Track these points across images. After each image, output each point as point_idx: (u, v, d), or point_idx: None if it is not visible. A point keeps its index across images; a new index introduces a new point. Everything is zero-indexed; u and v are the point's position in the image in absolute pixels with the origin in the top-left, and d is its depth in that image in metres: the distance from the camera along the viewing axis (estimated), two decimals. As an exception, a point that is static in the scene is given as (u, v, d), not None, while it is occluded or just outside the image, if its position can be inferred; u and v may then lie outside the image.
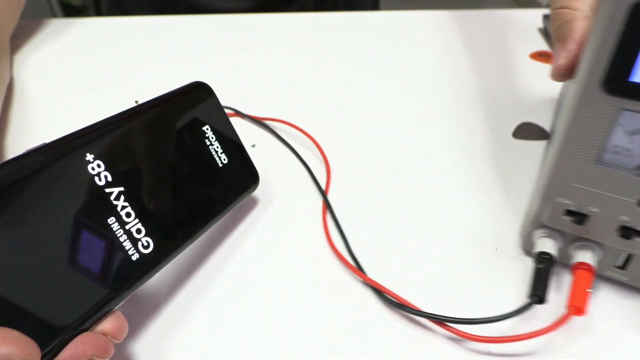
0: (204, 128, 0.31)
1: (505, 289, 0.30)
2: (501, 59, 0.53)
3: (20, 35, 0.54)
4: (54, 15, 1.43)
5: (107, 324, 0.23)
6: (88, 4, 1.61)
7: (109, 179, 0.24)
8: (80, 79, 0.48)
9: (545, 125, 0.44)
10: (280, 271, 0.32)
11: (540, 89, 0.49)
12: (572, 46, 0.26)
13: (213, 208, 0.30)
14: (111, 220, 0.24)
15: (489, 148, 0.41)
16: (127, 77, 0.49)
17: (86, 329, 0.22)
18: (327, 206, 0.36)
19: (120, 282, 0.24)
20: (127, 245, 0.24)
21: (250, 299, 0.30)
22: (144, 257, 0.25)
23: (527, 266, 0.31)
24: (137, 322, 0.29)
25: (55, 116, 0.43)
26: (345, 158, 0.40)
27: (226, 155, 0.32)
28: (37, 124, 0.42)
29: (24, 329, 0.20)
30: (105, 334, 0.23)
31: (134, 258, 0.25)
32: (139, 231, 0.25)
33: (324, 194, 0.36)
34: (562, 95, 0.43)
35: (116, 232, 0.24)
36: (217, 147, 0.31)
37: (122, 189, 0.25)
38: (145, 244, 0.25)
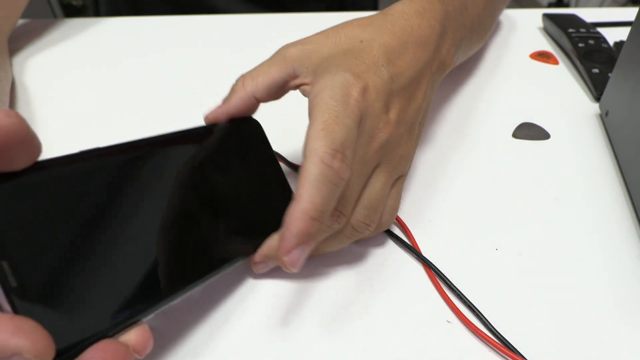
0: (248, 164, 0.30)
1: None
2: (501, 59, 0.53)
3: (20, 36, 0.54)
4: (54, 15, 1.43)
5: (131, 336, 0.22)
6: (88, 4, 1.61)
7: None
8: (81, 79, 0.48)
9: (545, 125, 0.44)
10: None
11: (540, 89, 0.49)
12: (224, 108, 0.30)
13: (253, 240, 0.29)
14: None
15: (489, 148, 0.42)
16: (127, 77, 0.49)
17: (110, 337, 0.22)
18: (433, 271, 0.31)
19: (151, 294, 0.23)
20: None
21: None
22: (177, 272, 0.25)
23: None
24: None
25: (57, 115, 0.43)
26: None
27: (268, 191, 0.31)
28: (39, 123, 0.42)
29: (48, 324, 0.19)
30: (127, 346, 0.22)
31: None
32: None
33: (421, 256, 0.32)
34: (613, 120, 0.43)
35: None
36: (259, 184, 0.30)
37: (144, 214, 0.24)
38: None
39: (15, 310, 0.19)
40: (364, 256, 0.32)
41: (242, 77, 0.31)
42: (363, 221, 0.28)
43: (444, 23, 0.35)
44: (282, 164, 0.36)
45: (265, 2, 0.68)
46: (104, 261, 0.22)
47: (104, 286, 0.22)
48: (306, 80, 0.30)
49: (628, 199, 0.37)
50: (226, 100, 0.31)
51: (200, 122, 0.43)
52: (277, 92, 0.31)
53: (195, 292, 0.27)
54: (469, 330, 0.28)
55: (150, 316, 0.23)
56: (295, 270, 0.24)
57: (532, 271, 0.32)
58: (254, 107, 0.31)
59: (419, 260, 0.32)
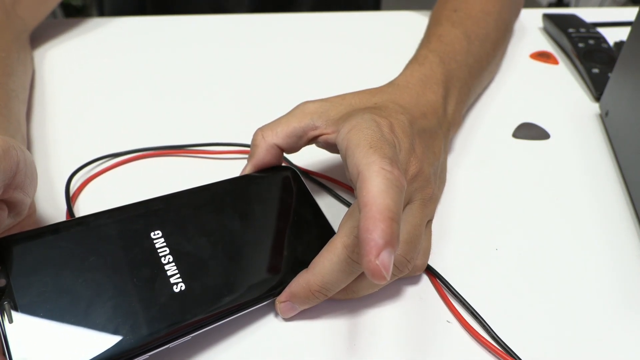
0: (282, 207, 0.31)
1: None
2: (501, 59, 0.53)
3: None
4: (54, 16, 1.43)
5: None
6: (88, 4, 1.61)
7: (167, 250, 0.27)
8: (81, 79, 0.48)
9: (545, 125, 0.44)
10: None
11: (540, 89, 0.49)
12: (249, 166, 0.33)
13: (283, 280, 0.28)
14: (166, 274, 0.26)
15: (489, 148, 0.42)
16: (128, 77, 0.49)
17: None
18: (432, 273, 0.31)
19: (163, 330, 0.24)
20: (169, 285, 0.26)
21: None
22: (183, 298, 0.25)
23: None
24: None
25: (58, 114, 0.43)
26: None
27: (304, 232, 0.30)
28: (39, 121, 0.42)
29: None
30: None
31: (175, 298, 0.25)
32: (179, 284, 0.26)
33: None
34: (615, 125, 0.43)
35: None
36: (294, 226, 0.30)
37: (171, 257, 0.26)
38: (180, 288, 0.25)
39: (6, 341, 0.22)
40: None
41: (260, 130, 0.32)
42: (404, 256, 0.27)
43: (447, 85, 0.38)
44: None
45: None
46: (105, 304, 0.24)
47: (101, 326, 0.23)
48: (327, 131, 0.31)
49: (628, 199, 0.37)
50: (250, 155, 0.33)
51: (199, 122, 0.43)
52: (296, 141, 0.32)
53: (210, 334, 0.27)
54: (468, 333, 0.28)
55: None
56: (387, 279, 0.22)
57: (532, 271, 0.32)
58: (278, 156, 0.32)
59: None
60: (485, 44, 0.44)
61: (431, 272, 0.31)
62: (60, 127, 0.42)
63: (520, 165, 0.40)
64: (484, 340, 0.28)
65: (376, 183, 0.24)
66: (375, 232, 0.22)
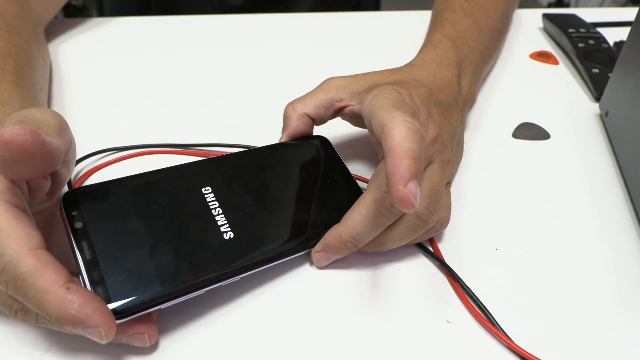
0: (317, 170, 0.34)
1: None
2: (501, 59, 0.53)
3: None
4: (54, 16, 1.43)
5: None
6: (88, 4, 1.61)
7: (217, 204, 0.30)
8: (81, 78, 0.48)
9: (545, 125, 0.44)
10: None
11: (540, 89, 0.49)
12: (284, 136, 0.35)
13: (318, 233, 0.31)
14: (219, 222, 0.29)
15: (489, 148, 0.42)
16: (129, 77, 0.49)
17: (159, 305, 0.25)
18: (446, 268, 0.31)
19: (210, 271, 0.27)
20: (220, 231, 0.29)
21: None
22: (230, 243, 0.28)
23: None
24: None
25: (60, 111, 0.43)
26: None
27: (335, 192, 0.33)
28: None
29: (110, 288, 0.25)
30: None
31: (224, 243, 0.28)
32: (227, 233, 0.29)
33: (438, 258, 0.32)
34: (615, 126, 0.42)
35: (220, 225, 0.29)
36: (327, 187, 0.33)
37: (220, 210, 0.30)
38: (230, 236, 0.29)
39: (88, 273, 0.25)
40: (370, 256, 0.32)
41: (290, 104, 0.35)
42: (427, 207, 0.29)
43: (460, 65, 0.41)
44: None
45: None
46: (166, 246, 0.27)
47: (163, 264, 0.26)
48: (352, 102, 0.34)
49: (628, 199, 0.37)
50: (284, 126, 0.35)
51: (198, 121, 0.43)
52: (324, 112, 0.35)
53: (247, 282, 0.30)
54: (480, 325, 0.28)
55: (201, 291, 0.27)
56: (415, 206, 0.24)
57: (532, 271, 0.32)
58: (309, 124, 0.35)
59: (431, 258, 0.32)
60: (493, 34, 0.48)
61: (445, 268, 0.31)
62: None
63: (520, 165, 0.40)
64: (499, 334, 0.28)
65: (400, 131, 0.26)
66: (402, 167, 0.25)
